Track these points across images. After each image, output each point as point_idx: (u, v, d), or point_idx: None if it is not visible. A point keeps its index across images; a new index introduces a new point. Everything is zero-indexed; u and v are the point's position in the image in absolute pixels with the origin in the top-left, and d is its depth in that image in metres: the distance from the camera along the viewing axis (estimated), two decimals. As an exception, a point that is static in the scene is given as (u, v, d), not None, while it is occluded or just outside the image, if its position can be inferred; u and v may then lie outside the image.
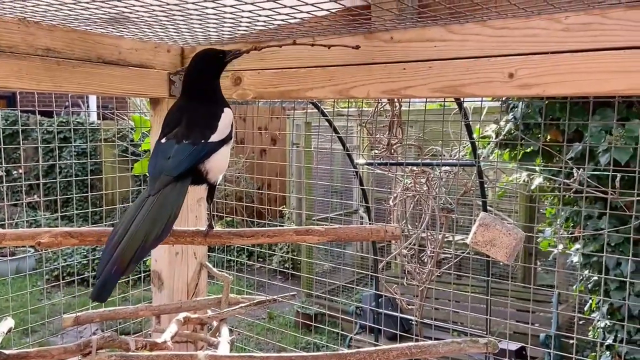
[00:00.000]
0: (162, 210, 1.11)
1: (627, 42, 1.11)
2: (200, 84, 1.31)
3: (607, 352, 3.26)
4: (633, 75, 1.11)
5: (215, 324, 1.60)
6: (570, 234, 3.39)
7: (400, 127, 3.24)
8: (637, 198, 2.41)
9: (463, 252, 3.75)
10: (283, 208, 7.02)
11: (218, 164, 1.24)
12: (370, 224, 4.24)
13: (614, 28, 1.12)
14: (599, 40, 1.13)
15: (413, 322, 3.76)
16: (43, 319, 3.37)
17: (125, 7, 1.18)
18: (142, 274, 3.54)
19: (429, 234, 3.48)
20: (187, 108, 1.28)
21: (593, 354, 3.32)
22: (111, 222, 4.34)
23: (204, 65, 1.32)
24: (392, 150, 3.31)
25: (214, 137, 1.22)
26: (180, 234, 1.40)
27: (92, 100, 8.75)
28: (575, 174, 2.80)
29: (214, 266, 1.87)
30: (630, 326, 3.08)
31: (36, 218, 6.18)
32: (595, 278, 3.30)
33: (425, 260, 3.43)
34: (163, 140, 1.22)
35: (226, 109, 1.30)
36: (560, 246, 3.57)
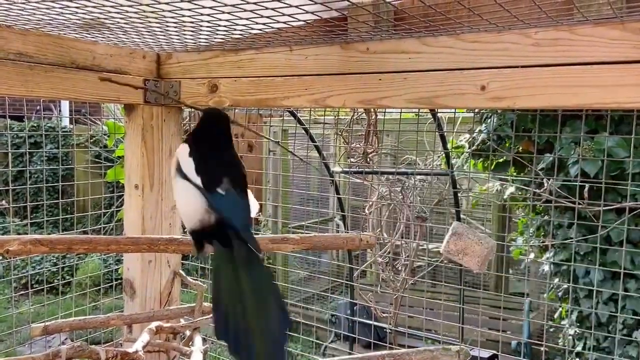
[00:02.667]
0: (270, 287, 1.03)
1: (594, 57, 1.15)
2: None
3: (577, 359, 3.32)
4: (600, 90, 1.15)
5: (188, 333, 1.58)
6: (541, 242, 3.47)
7: (376, 136, 3.27)
8: (604, 208, 2.48)
9: (437, 261, 3.79)
10: (259, 215, 7.00)
11: (254, 213, 1.19)
12: (346, 231, 4.25)
13: (581, 44, 1.16)
14: (567, 56, 1.17)
15: (387, 330, 3.78)
16: (10, 328, 3.27)
17: (101, 13, 1.17)
18: (114, 282, 3.48)
19: (403, 242, 3.51)
20: (217, 156, 1.21)
21: (563, 361, 3.39)
22: (83, 230, 4.25)
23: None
24: (368, 159, 3.34)
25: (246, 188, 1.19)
26: (153, 241, 1.38)
27: (65, 105, 8.60)
28: (545, 184, 2.86)
29: (187, 274, 1.85)
30: (599, 334, 3.15)
31: (4, 224, 6.02)
32: (565, 286, 3.37)
33: (400, 268, 3.46)
34: (222, 192, 1.11)
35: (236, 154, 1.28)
36: (532, 255, 3.64)
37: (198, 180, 1.12)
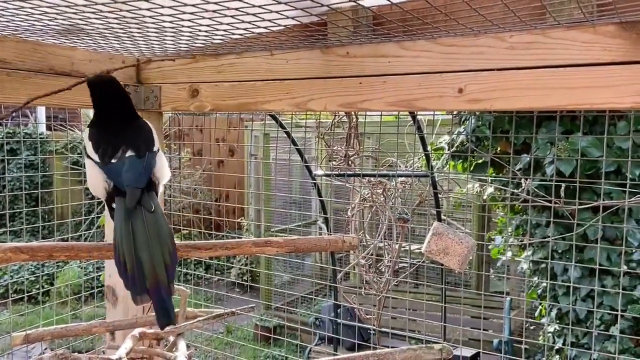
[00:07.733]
0: (159, 226, 1.17)
1: (567, 60, 1.18)
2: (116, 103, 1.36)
3: (557, 356, 3.38)
4: (573, 92, 1.18)
5: (172, 338, 1.57)
6: (520, 241, 3.52)
7: (357, 139, 3.30)
8: (580, 207, 2.54)
9: (419, 261, 3.83)
10: (241, 220, 6.97)
11: (164, 171, 1.31)
12: (328, 234, 4.27)
13: (555, 47, 1.19)
14: (542, 58, 1.20)
15: (371, 332, 3.80)
16: (-12, 338, 3.22)
17: (81, 19, 1.17)
18: (95, 290, 3.44)
19: (386, 243, 3.54)
20: (113, 127, 1.31)
21: (544, 358, 3.44)
22: (61, 237, 4.19)
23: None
24: (350, 162, 3.36)
25: (156, 147, 1.30)
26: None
27: (41, 111, 8.45)
28: (523, 184, 2.91)
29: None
30: (577, 330, 3.22)
31: (-19, 233, 5.90)
32: (544, 284, 3.43)
33: (383, 269, 3.49)
34: (114, 160, 1.24)
35: (147, 122, 1.37)
36: (509, 253, 3.69)
37: (96, 156, 1.25)
